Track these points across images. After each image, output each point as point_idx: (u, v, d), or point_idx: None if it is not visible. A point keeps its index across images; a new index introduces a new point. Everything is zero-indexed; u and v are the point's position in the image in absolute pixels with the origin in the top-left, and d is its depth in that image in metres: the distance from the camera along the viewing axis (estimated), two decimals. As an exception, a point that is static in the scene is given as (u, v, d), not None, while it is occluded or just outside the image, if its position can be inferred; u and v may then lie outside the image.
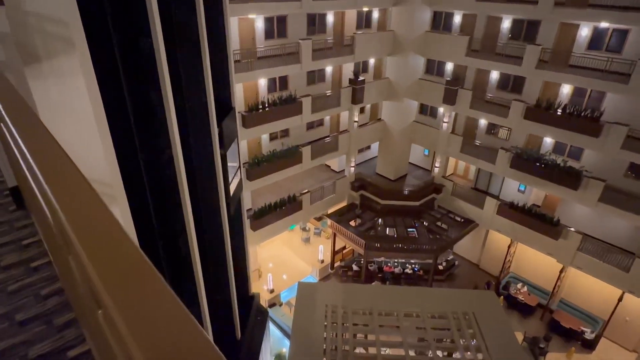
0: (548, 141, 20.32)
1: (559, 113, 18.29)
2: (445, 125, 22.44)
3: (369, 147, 27.09)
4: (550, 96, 19.35)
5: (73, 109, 6.43)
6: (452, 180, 23.87)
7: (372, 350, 10.63)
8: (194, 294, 9.19)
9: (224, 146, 9.97)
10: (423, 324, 10.59)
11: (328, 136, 23.11)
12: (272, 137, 21.97)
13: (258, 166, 18.58)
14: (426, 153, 26.31)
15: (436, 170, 23.85)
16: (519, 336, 18.83)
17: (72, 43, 5.49)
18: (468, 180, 25.18)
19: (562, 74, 17.90)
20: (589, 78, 17.22)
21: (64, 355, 2.43)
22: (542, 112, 18.64)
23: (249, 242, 13.69)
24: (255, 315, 12.92)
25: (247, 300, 13.17)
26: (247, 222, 14.25)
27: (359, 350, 15.97)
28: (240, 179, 12.09)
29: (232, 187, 11.01)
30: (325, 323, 10.46)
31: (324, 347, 9.74)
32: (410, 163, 26.42)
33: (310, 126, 23.39)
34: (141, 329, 0.81)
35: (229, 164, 10.59)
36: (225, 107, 10.77)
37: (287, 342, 18.44)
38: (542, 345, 18.87)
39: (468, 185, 24.40)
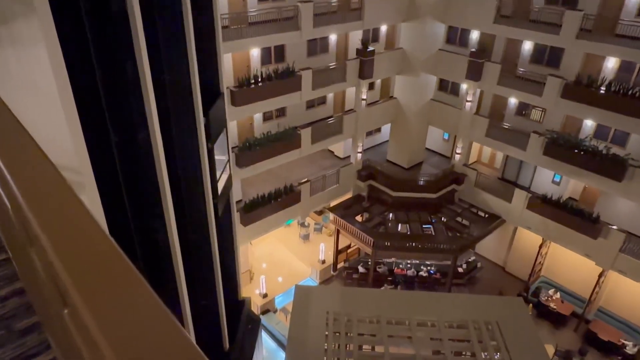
0: (588, 124, 20.25)
1: (602, 91, 18.19)
2: (468, 104, 22.35)
3: (379, 130, 27.05)
4: (592, 71, 19.23)
5: (34, 83, 6.44)
6: (475, 169, 23.85)
7: (379, 364, 10.70)
8: (174, 299, 9.27)
9: (211, 139, 10.05)
10: (439, 334, 10.68)
11: (331, 117, 23.08)
12: (266, 117, 21.92)
13: (249, 151, 18.59)
14: (446, 137, 26.28)
15: (457, 157, 23.82)
16: (550, 350, 19.01)
17: (32, 5, 5.47)
18: (494, 170, 25.16)
19: (607, 44, 17.74)
20: (638, 50, 17.08)
21: (26, 363, 2.47)
22: (583, 89, 18.54)
23: (238, 239, 13.78)
24: (245, 324, 13.06)
25: (237, 306, 13.26)
26: (236, 217, 14.34)
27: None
28: (230, 175, 12.22)
29: (220, 185, 11.10)
30: (327, 332, 10.55)
31: (325, 360, 9.81)
32: (427, 149, 26.39)
33: (311, 105, 23.34)
34: (113, 328, 0.82)
35: (216, 157, 10.68)
36: (212, 92, 10.82)
37: (282, 355, 18.67)
38: (576, 361, 19.06)
39: (494, 175, 24.36)
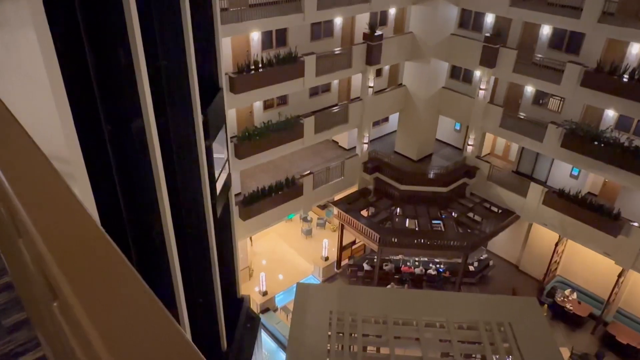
0: (610, 114, 20.14)
1: (625, 79, 18.06)
2: (482, 93, 22.24)
3: (386, 120, 27.01)
4: (615, 58, 19.08)
5: (23, 69, 6.44)
6: (488, 162, 23.80)
7: (385, 366, 10.76)
8: (169, 295, 9.34)
9: (209, 137, 10.13)
10: (448, 335, 10.64)
11: (336, 105, 23.02)
12: (267, 105, 21.90)
13: (249, 141, 18.59)
14: (457, 128, 26.21)
15: (469, 149, 23.76)
16: (565, 353, 19.05)
17: (20, -14, 5.46)
18: (508, 162, 25.11)
19: (631, 29, 17.59)
20: (664, 35, 16.96)
21: (14, 361, 2.49)
22: (605, 77, 18.41)
23: (237, 234, 13.82)
24: (244, 322, 13.11)
25: (235, 303, 13.31)
26: (235, 210, 14.40)
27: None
28: (229, 173, 12.34)
29: (219, 184, 11.22)
30: (329, 333, 10.55)
31: (327, 362, 9.76)
32: (437, 140, 26.36)
33: (315, 92, 23.30)
34: (105, 321, 0.84)
35: (215, 156, 10.81)
36: (210, 87, 10.86)
37: (282, 355, 18.75)
38: (593, 364, 19.09)
39: (508, 168, 24.33)
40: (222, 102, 11.42)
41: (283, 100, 22.31)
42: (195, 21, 9.16)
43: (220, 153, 11.46)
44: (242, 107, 20.43)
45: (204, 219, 10.44)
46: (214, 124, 10.62)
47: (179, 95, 9.27)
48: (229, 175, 12.42)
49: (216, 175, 11.12)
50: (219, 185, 11.22)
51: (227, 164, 12.20)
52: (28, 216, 1.07)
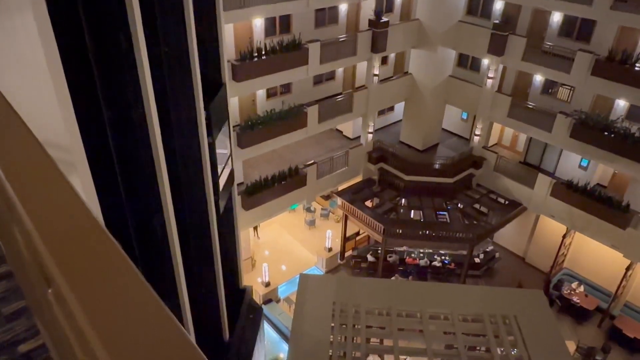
0: (621, 104, 19.98)
1: (637, 68, 17.88)
2: (490, 81, 22.10)
3: (392, 109, 26.89)
4: (627, 46, 18.88)
5: (20, 54, 6.42)
6: (495, 152, 23.73)
7: (388, 359, 10.82)
8: (171, 286, 9.41)
9: (212, 133, 10.13)
10: (452, 328, 10.64)
11: (340, 94, 22.93)
12: (270, 93, 21.83)
13: (252, 130, 18.58)
14: (464, 117, 26.09)
15: (476, 139, 23.67)
16: (571, 346, 19.10)
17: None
18: (516, 153, 25.04)
19: (644, 16, 17.39)
20: (678, 23, 16.75)
21: (14, 350, 2.50)
22: (616, 66, 18.24)
23: (240, 224, 13.88)
24: (246, 313, 13.19)
25: (237, 294, 13.38)
26: (237, 201, 14.51)
27: (373, 358, 16.40)
28: (232, 170, 12.35)
29: (222, 180, 11.22)
30: (333, 324, 10.57)
31: (330, 353, 9.83)
32: (443, 129, 26.25)
33: (319, 80, 23.19)
34: (99, 311, 0.84)
35: (218, 151, 10.78)
36: (213, 83, 10.78)
37: (285, 347, 18.96)
38: (599, 358, 19.14)
39: (516, 158, 24.26)
40: (225, 98, 11.39)
41: (286, 88, 22.21)
42: (197, 9, 9.10)
43: (223, 148, 11.45)
44: (244, 96, 20.37)
45: (206, 213, 10.50)
46: (217, 119, 10.61)
47: (181, 87, 9.23)
48: (231, 171, 12.48)
49: (219, 172, 11.15)
50: (221, 182, 11.25)
51: (230, 160, 12.23)
52: (21, 203, 1.07)
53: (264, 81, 18.57)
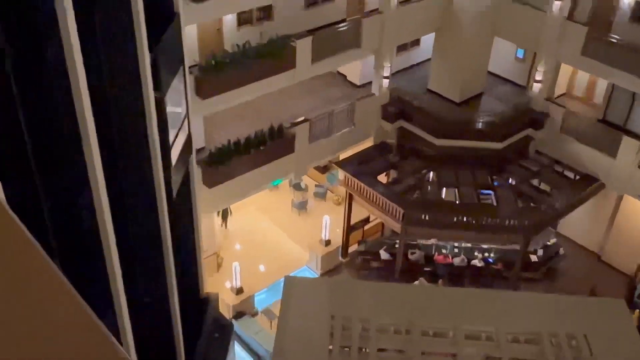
0: None
1: None
2: (557, 4, 19.09)
3: (417, 43, 23.49)
4: None
5: None
6: (563, 106, 21.04)
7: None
8: (104, 293, 8.47)
9: (160, 85, 9.16)
10: (498, 351, 9.54)
11: (344, 20, 20.02)
12: (243, 20, 18.94)
13: (216, 73, 15.95)
14: (520, 56, 23.01)
15: (537, 87, 20.93)
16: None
17: None
18: (592, 107, 22.33)
19: None
20: None
21: None
22: None
23: (201, 208, 12.45)
24: (210, 331, 12.34)
25: (197, 305, 12.60)
26: (197, 174, 12.89)
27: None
28: (189, 134, 11.41)
29: (176, 151, 10.22)
30: (331, 346, 9.45)
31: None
32: (490, 73, 22.99)
33: (313, 1, 20.19)
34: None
35: (169, 110, 9.82)
36: (162, 12, 9.77)
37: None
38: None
39: (592, 115, 21.60)
40: (179, 32, 10.17)
41: (266, 13, 19.21)
42: None
43: (176, 105, 10.51)
44: (206, 23, 17.55)
45: (152, 194, 9.53)
46: (168, 65, 9.59)
47: (116, 19, 8.03)
48: (188, 136, 11.27)
49: (171, 139, 10.07)
50: (174, 152, 10.22)
51: (186, 120, 11.13)
52: None
53: (234, 2, 16.13)
